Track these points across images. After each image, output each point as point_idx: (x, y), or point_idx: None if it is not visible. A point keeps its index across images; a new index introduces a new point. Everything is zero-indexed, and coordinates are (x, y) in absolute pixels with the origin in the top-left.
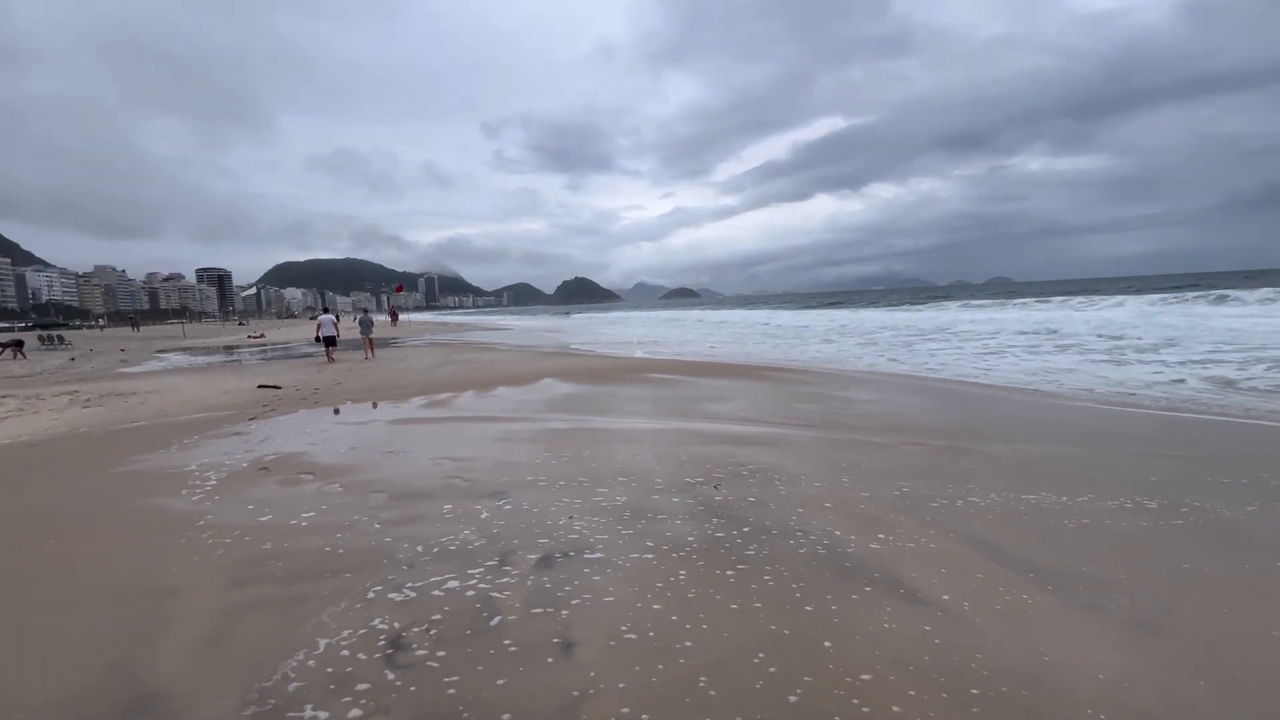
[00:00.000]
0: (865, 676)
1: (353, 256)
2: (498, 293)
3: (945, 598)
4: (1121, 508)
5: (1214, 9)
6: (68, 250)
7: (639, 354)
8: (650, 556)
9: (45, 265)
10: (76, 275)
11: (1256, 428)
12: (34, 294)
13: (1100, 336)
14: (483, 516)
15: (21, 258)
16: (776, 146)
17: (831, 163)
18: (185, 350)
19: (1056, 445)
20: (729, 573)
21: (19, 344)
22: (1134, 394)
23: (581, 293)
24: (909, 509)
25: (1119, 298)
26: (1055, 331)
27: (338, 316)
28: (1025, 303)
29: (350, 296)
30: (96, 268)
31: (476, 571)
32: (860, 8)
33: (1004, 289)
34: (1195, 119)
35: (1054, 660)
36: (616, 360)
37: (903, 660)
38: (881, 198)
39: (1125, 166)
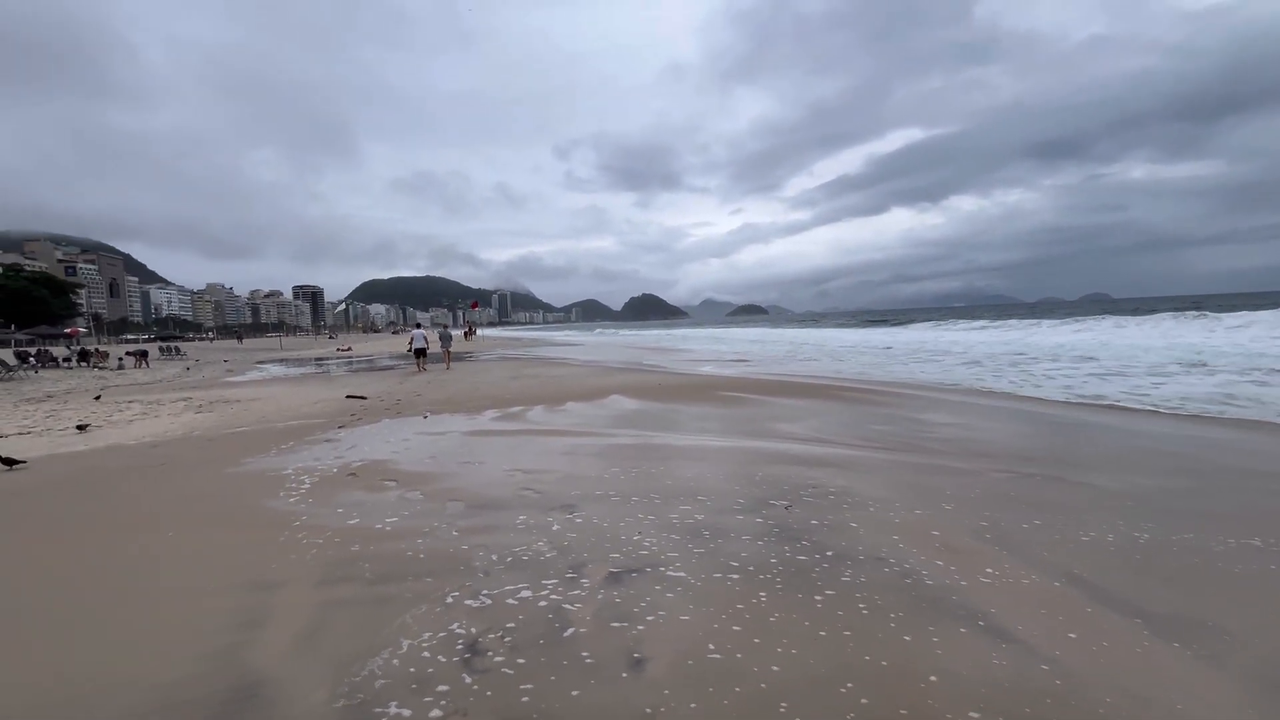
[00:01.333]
0: (973, 715)
1: (431, 274)
2: (567, 309)
3: (1045, 640)
4: (1238, 548)
5: None
6: (183, 269)
7: (709, 370)
8: (727, 576)
9: (166, 283)
10: (191, 292)
11: None
12: (156, 309)
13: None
14: (554, 528)
15: (147, 276)
16: (849, 160)
17: (908, 175)
18: (282, 361)
19: (1162, 478)
20: (817, 598)
21: (144, 354)
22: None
23: (649, 309)
24: (999, 541)
25: (1246, 314)
26: (1200, 355)
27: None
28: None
29: (429, 312)
30: (208, 285)
31: (549, 582)
32: (939, 15)
33: (1099, 305)
34: None
35: (1166, 715)
36: (686, 377)
37: (997, 702)
38: (963, 210)
39: (1245, 172)
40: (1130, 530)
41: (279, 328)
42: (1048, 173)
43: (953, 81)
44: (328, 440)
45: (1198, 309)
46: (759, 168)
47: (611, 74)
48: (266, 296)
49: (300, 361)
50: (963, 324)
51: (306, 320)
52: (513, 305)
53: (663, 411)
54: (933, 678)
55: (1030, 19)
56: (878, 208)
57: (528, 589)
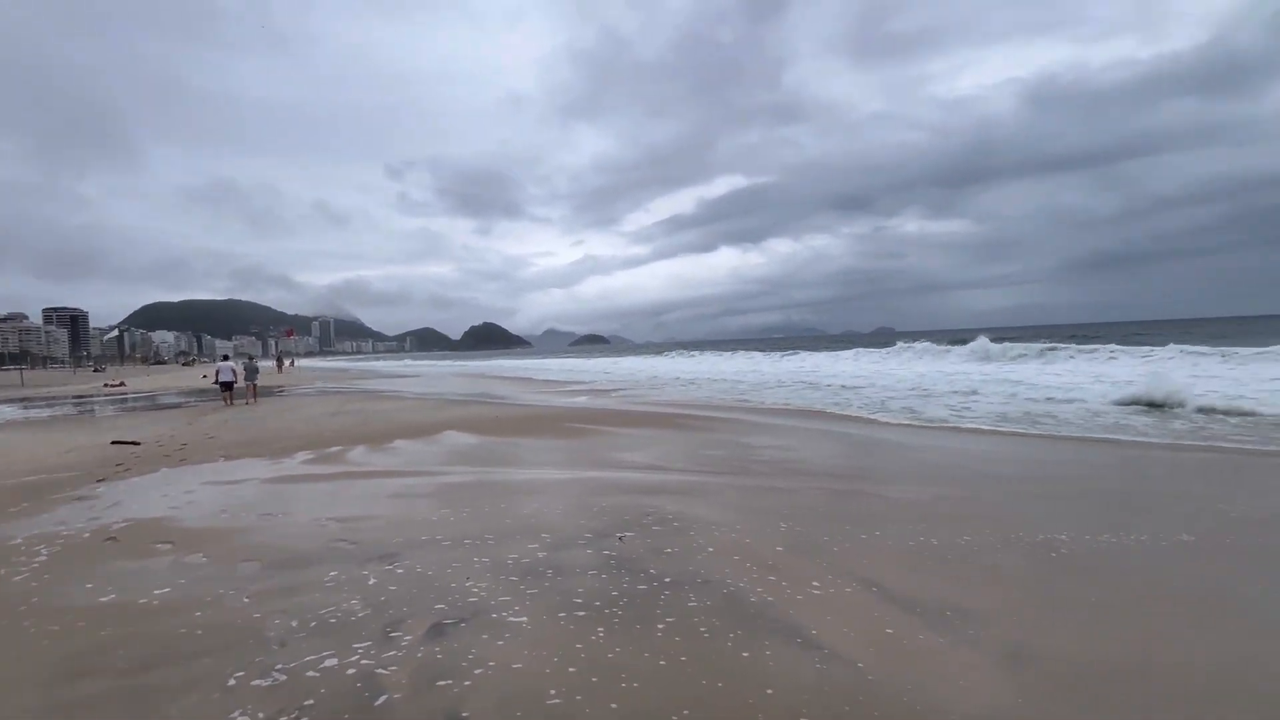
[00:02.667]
0: None
1: (235, 297)
2: (400, 337)
3: (856, 645)
4: (997, 543)
5: (1049, 101)
6: None
7: (554, 401)
8: (564, 616)
9: None
10: None
11: (1096, 461)
12: None
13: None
14: (370, 583)
15: None
16: (683, 200)
17: (734, 218)
18: (23, 401)
19: (944, 487)
20: (658, 627)
21: None
22: (1006, 430)
23: (489, 338)
24: (819, 555)
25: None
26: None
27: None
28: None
29: (232, 340)
30: None
31: (361, 645)
32: (756, 77)
33: (882, 337)
34: (1039, 192)
35: (945, 700)
36: (529, 409)
37: (820, 706)
38: (780, 252)
39: (986, 231)
40: (917, 536)
41: (21, 359)
42: (846, 222)
43: (769, 137)
44: (80, 499)
45: (961, 343)
46: (600, 202)
47: (449, 98)
48: (3, 321)
49: (51, 401)
50: (784, 353)
51: (63, 350)
52: (337, 334)
53: (503, 446)
54: (769, 690)
55: (828, 90)
56: (708, 246)
57: (333, 656)
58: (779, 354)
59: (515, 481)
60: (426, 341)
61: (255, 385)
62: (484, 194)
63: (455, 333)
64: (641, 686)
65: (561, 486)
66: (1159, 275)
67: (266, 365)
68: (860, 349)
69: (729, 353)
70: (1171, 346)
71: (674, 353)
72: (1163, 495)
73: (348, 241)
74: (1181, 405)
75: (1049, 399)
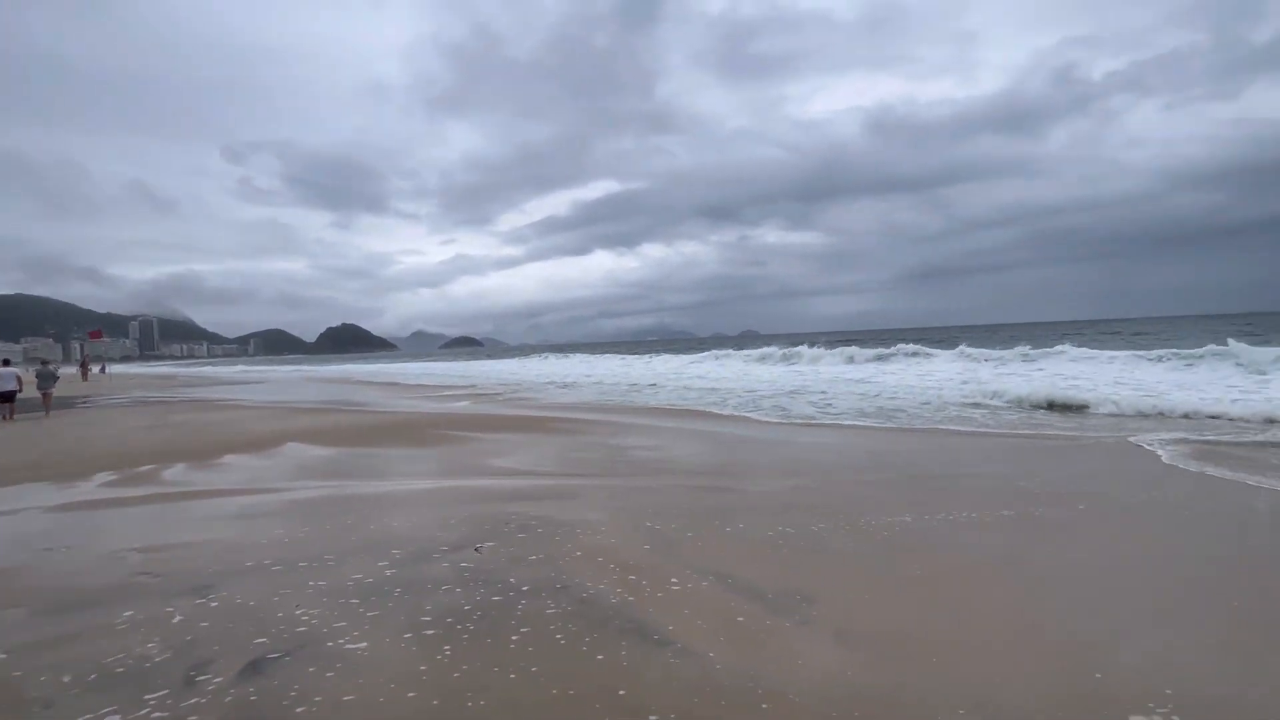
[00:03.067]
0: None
1: (26, 292)
2: (243, 340)
3: (707, 638)
4: (843, 528)
5: (886, 129)
6: None
7: (421, 406)
8: (408, 637)
9: None
10: None
11: (921, 452)
12: None
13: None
14: (176, 620)
15: None
16: (558, 202)
17: (608, 221)
18: None
19: (794, 479)
20: (512, 638)
21: None
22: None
23: (350, 341)
24: (677, 551)
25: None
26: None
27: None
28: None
29: (21, 343)
30: None
31: (155, 696)
32: (629, 85)
33: (752, 339)
34: (880, 210)
35: (789, 683)
36: (394, 415)
37: (672, 702)
38: (653, 257)
39: (836, 243)
40: (775, 526)
41: None
42: (714, 231)
43: (642, 145)
44: None
45: (810, 344)
46: (472, 200)
47: (301, 78)
48: None
49: None
50: (655, 355)
51: None
52: (162, 336)
53: (359, 457)
54: (620, 692)
55: (698, 104)
56: (583, 249)
57: (115, 713)
58: (651, 356)
59: (368, 495)
60: (275, 344)
61: (49, 395)
62: (342, 185)
63: (309, 335)
64: (489, 703)
65: (421, 498)
66: (971, 286)
67: (69, 372)
68: (728, 350)
69: (605, 355)
70: (972, 348)
71: (549, 355)
72: (990, 476)
73: (176, 231)
74: (1013, 400)
75: (895, 396)
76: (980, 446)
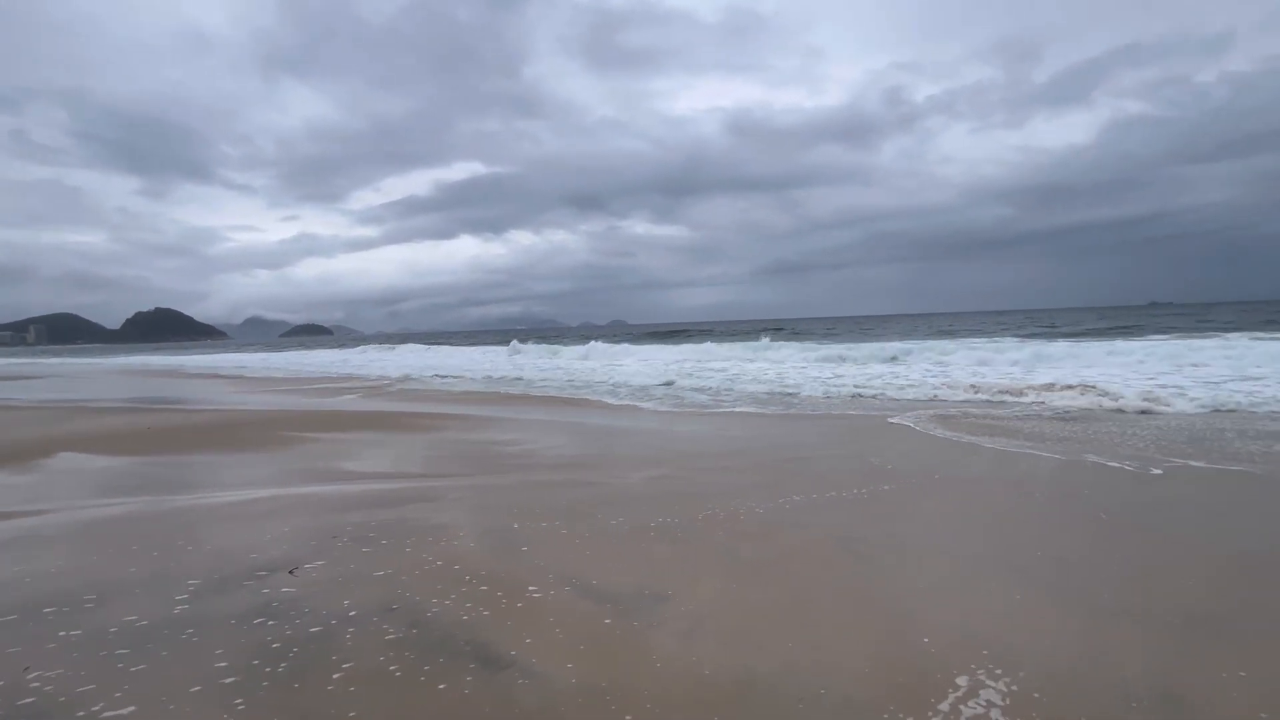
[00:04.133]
0: None
1: None
2: (18, 326)
3: (547, 652)
4: (686, 523)
5: (744, 130)
6: None
7: (256, 402)
8: (195, 691)
9: None
10: None
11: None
12: None
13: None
14: None
15: None
16: (418, 182)
17: (474, 205)
18: None
19: (654, 469)
20: (329, 684)
21: None
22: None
23: (166, 327)
24: (533, 552)
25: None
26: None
27: None
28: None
29: None
30: None
31: None
32: (493, 64)
33: (621, 330)
34: (737, 208)
35: (627, 687)
36: (219, 413)
37: None
38: (521, 244)
39: (699, 237)
40: (642, 520)
41: None
42: (582, 220)
43: (509, 128)
44: None
45: (684, 333)
46: (318, 174)
47: (100, 17)
48: None
49: None
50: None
51: None
52: None
53: (168, 466)
54: None
55: (565, 90)
56: (447, 233)
57: None
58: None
59: (167, 513)
60: (64, 331)
61: None
62: (155, 147)
63: (113, 320)
64: None
65: (239, 512)
66: (816, 281)
67: None
68: (601, 341)
69: (470, 346)
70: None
71: (413, 345)
72: (844, 457)
73: None
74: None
75: (784, 386)
76: (840, 428)
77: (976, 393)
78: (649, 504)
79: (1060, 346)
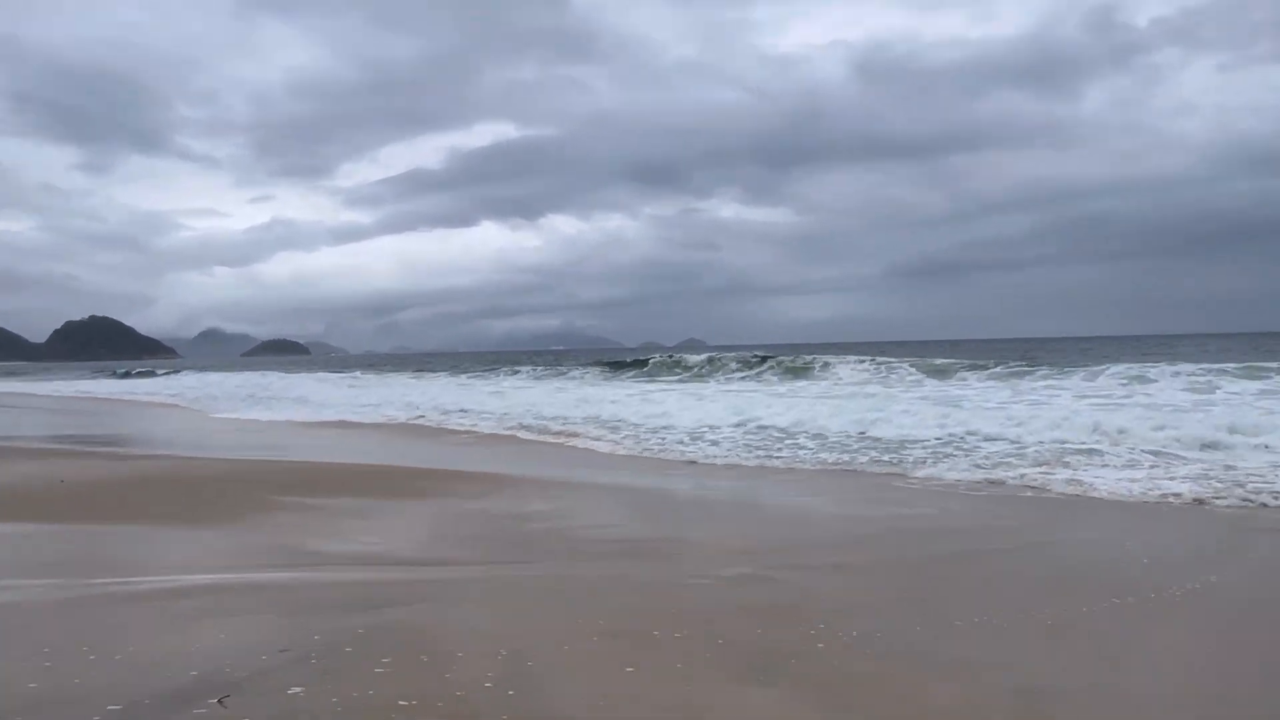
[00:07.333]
0: None
1: None
2: None
3: None
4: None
5: (880, 74)
6: None
7: (220, 448)
8: None
9: None
10: None
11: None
12: None
13: None
14: None
15: None
16: (428, 150)
17: (501, 180)
18: None
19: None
20: None
21: None
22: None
23: (102, 341)
24: (532, 702)
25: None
26: None
27: None
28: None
29: None
30: None
31: None
32: None
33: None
34: (867, 182)
35: None
36: (176, 462)
37: None
38: (563, 233)
39: (810, 224)
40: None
41: None
42: (647, 200)
43: (550, 75)
44: None
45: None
46: (299, 139)
47: None
48: None
49: None
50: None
51: None
52: None
53: (75, 536)
54: None
55: (629, 23)
56: (464, 218)
57: None
58: (561, 374)
59: (73, 602)
60: None
61: None
62: (93, 107)
63: (36, 333)
64: None
65: (170, 605)
66: (980, 286)
67: None
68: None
69: (500, 374)
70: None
71: (416, 370)
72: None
73: None
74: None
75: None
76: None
77: None
78: (733, 619)
79: None
